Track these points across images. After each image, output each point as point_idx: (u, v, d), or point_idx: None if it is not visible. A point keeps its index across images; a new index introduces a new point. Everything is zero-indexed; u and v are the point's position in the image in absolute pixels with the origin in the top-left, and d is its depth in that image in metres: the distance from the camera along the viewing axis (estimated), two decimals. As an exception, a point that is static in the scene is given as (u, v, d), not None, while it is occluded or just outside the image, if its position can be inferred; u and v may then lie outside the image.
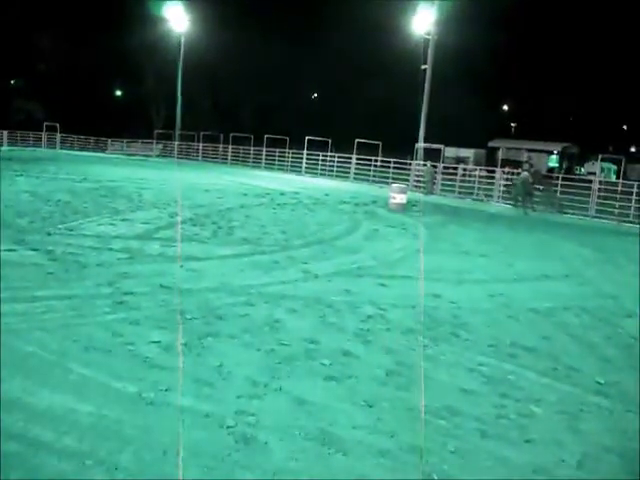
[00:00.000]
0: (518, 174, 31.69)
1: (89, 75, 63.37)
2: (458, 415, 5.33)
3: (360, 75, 64.25)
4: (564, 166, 53.11)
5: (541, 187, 26.95)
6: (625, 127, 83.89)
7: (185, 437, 4.58)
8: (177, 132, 54.82)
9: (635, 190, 26.18)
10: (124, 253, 10.88)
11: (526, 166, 35.22)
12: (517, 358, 6.90)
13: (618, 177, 38.51)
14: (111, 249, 11.16)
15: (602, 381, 6.40)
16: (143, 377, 5.59)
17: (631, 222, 24.41)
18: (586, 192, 27.30)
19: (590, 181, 29.50)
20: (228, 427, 4.80)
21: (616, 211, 25.63)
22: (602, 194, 27.33)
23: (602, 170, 44.20)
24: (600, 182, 29.26)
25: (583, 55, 70.37)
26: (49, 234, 12.09)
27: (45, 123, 53.39)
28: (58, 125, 53.00)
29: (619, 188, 28.35)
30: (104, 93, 68.87)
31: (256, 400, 5.31)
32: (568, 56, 70.37)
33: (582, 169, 53.92)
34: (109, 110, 65.27)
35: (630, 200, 25.88)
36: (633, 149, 77.18)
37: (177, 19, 49.85)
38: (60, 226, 13.05)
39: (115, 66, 62.66)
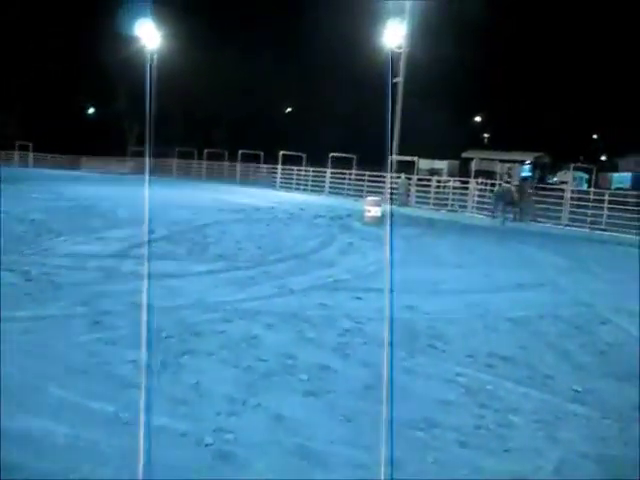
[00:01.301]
0: (493, 184, 32.00)
1: (61, 93, 62.98)
2: (437, 426, 5.34)
3: (333, 89, 64.44)
4: (537, 175, 53.49)
5: (524, 198, 27.09)
6: (595, 136, 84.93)
7: (163, 456, 4.55)
8: (150, 149, 54.61)
9: (607, 198, 26.51)
10: (99, 272, 10.81)
11: (505, 177, 35.62)
12: (494, 368, 6.94)
13: (590, 186, 38.96)
14: (86, 268, 11.07)
15: (578, 389, 6.44)
16: (120, 397, 5.54)
17: (603, 230, 24.69)
18: (559, 201, 27.59)
19: (562, 190, 29.83)
20: (206, 445, 4.76)
21: (588, 219, 25.91)
22: (574, 202, 27.62)
23: (574, 179, 44.69)
24: (572, 191, 29.59)
25: (553, 66, 71.23)
26: (24, 254, 11.97)
27: (18, 142, 52.98)
28: (31, 144, 52.63)
29: (591, 197, 28.67)
30: (77, 111, 68.50)
31: (234, 417, 5.28)
32: (538, 67, 71.18)
33: (555, 178, 54.39)
34: (83, 128, 64.89)
35: (602, 208, 26.18)
36: (604, 158, 78.07)
37: (149, 36, 49.81)
38: (35, 246, 12.92)
39: (88, 84, 62.38)
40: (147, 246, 13.82)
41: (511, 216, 26.56)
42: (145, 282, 10.13)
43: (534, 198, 27.77)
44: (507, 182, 29.19)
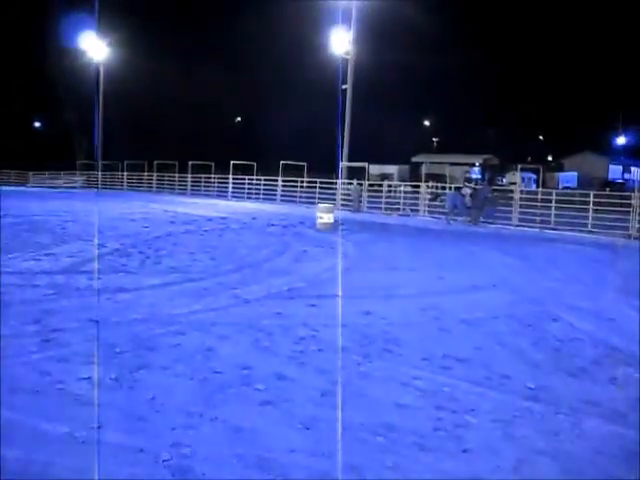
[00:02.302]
0: (443, 187, 32.37)
1: (7, 107, 61.87)
2: (395, 430, 5.35)
3: (283, 97, 64.61)
4: (486, 177, 54.29)
5: (487, 201, 27.34)
6: (541, 137, 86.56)
7: (120, 474, 4.47)
8: (99, 162, 54.00)
9: (554, 198, 27.03)
10: (50, 289, 10.60)
11: (464, 181, 36.03)
12: (450, 370, 6.99)
13: (538, 186, 39.65)
14: (36, 285, 10.85)
15: (532, 386, 6.53)
16: (74, 416, 5.42)
17: (552, 229, 25.16)
18: (509, 202, 28.04)
19: (512, 191, 30.32)
20: (164, 461, 4.70)
21: (537, 219, 26.38)
22: (524, 203, 28.09)
23: (523, 180, 45.45)
24: (521, 192, 30.10)
25: (499, 69, 72.44)
26: (-31, 274, 11.68)
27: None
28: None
29: (539, 197, 29.20)
30: (24, 125, 67.36)
31: (191, 431, 5.22)
32: (485, 71, 72.32)
33: (503, 179, 55.25)
34: (30, 143, 63.84)
35: (550, 208, 26.68)
36: (550, 158, 79.59)
37: (94, 48, 49.30)
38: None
39: (34, 98, 61.41)
40: (97, 261, 13.63)
41: (463, 218, 26.89)
42: (96, 298, 10.00)
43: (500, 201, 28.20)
44: (466, 185, 29.49)
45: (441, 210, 30.48)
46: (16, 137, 62.30)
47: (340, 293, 10.82)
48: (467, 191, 27.42)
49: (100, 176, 53.31)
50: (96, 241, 16.51)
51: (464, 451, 5.06)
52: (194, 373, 6.60)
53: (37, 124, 75.00)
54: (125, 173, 52.32)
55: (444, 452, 5.02)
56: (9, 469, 4.51)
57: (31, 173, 55.61)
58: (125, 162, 52.68)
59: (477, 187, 28.42)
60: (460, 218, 27.05)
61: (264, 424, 5.42)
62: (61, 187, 51.63)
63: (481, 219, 26.69)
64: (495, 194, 28.67)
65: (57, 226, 20.16)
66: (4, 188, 47.36)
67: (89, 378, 6.31)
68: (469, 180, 40.59)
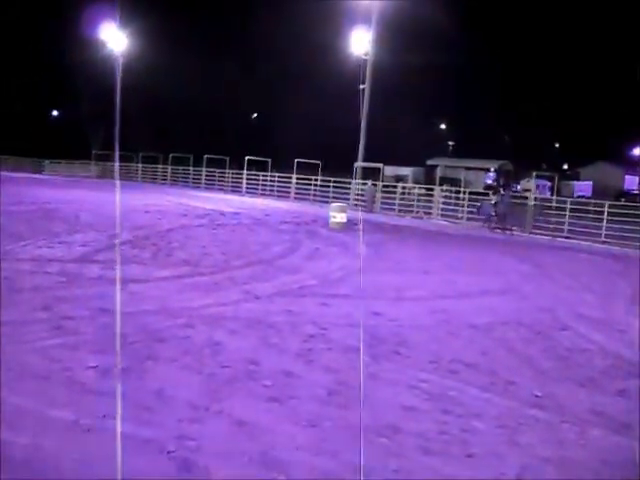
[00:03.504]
0: (457, 192, 32.26)
1: (26, 95, 62.19)
2: (400, 433, 5.35)
3: (299, 95, 64.54)
4: (501, 183, 54.09)
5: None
6: (557, 145, 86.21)
7: (125, 464, 4.48)
8: (116, 153, 54.18)
9: (568, 206, 26.90)
10: (62, 276, 10.66)
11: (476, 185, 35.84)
12: (458, 374, 6.98)
13: (552, 194, 39.49)
14: (48, 273, 10.91)
15: (539, 394, 6.51)
16: (81, 404, 5.46)
17: (565, 237, 25.05)
18: (522, 209, 27.94)
19: (526, 198, 30.21)
20: (169, 452, 4.71)
21: (551, 226, 26.26)
22: (538, 210, 27.98)
23: (537, 187, 45.26)
24: (535, 199, 29.97)
25: (518, 76, 72.17)
26: (-17, 259, 11.75)
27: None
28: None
29: (553, 204, 29.07)
30: (41, 114, 67.68)
31: (197, 424, 5.23)
32: (504, 76, 72.08)
33: (518, 186, 55.07)
34: (47, 131, 64.12)
35: (564, 216, 26.57)
36: (566, 166, 79.27)
37: (114, 39, 49.44)
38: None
39: (53, 86, 61.67)
40: (110, 251, 13.68)
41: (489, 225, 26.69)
42: (110, 287, 10.03)
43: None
44: (495, 193, 29.17)
45: (454, 214, 30.45)
46: (34, 125, 62.63)
47: (360, 293, 10.82)
48: (494, 199, 27.31)
49: (115, 167, 53.54)
50: (110, 231, 16.53)
51: (469, 456, 5.04)
52: (202, 366, 6.61)
53: (55, 113, 75.30)
54: (140, 165, 52.45)
55: (448, 456, 5.01)
56: (15, 455, 4.54)
57: (47, 161, 55.83)
58: (140, 154, 52.83)
59: (503, 194, 28.13)
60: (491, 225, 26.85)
61: (269, 420, 5.43)
62: (76, 176, 51.83)
63: (509, 227, 26.28)
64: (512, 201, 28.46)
65: (71, 215, 20.24)
66: (19, 175, 47.61)
67: (97, 367, 6.34)
68: (490, 187, 40.31)
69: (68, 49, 55.46)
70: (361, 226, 22.94)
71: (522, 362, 7.66)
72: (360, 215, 27.50)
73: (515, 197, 31.98)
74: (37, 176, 50.02)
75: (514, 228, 26.06)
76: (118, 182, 47.83)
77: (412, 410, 5.89)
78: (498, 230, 26.13)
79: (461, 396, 6.32)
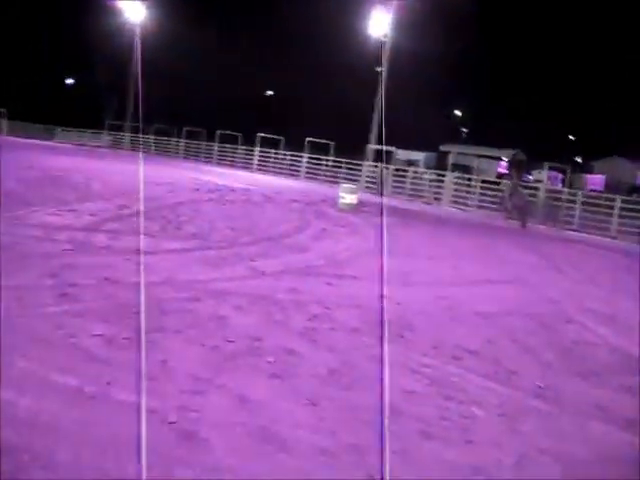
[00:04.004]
0: (469, 179, 32.10)
1: (40, 61, 62.09)
2: (401, 416, 5.36)
3: (315, 75, 64.27)
4: (513, 173, 53.82)
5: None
6: (572, 137, 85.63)
7: (125, 432, 4.51)
8: (129, 123, 54.16)
9: (579, 199, 26.79)
10: (69, 244, 10.68)
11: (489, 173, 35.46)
12: (461, 360, 6.97)
13: (564, 186, 39.29)
14: (56, 240, 10.93)
15: (542, 385, 6.51)
16: (85, 371, 5.48)
17: (574, 230, 24.96)
18: (533, 199, 27.82)
19: (537, 188, 30.08)
20: (170, 423, 4.74)
21: (561, 218, 26.17)
22: (548, 202, 27.85)
23: (549, 178, 44.99)
24: (547, 190, 29.84)
25: (537, 65, 71.66)
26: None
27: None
28: (5, 110, 51.85)
29: (564, 196, 28.94)
30: (56, 80, 67.59)
31: (199, 396, 5.25)
32: (522, 66, 71.58)
33: (530, 176, 54.76)
34: (60, 98, 64.05)
35: (574, 209, 26.47)
36: (579, 159, 78.83)
37: (133, 9, 49.24)
38: (4, 215, 12.71)
39: (69, 53, 61.54)
40: (118, 221, 13.70)
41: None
42: (117, 257, 10.06)
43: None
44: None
45: (464, 202, 30.35)
46: (47, 92, 62.55)
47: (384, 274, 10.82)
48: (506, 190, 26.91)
49: (128, 137, 53.52)
50: (120, 201, 16.52)
51: (468, 442, 5.06)
52: (206, 340, 6.63)
53: (69, 80, 75.18)
54: (153, 137, 52.40)
55: (448, 441, 5.02)
56: (19, 416, 4.57)
57: (59, 129, 55.80)
58: (154, 125, 52.77)
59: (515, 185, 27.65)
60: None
61: (270, 396, 5.45)
62: (87, 145, 51.82)
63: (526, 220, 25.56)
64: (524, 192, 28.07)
65: (81, 183, 20.26)
66: (31, 141, 47.66)
67: (102, 335, 6.36)
68: (502, 176, 39.63)
69: (85, 16, 55.23)
70: (382, 209, 22.89)
71: (526, 352, 7.65)
72: (382, 200, 27.42)
73: (526, 187, 31.82)
74: (48, 143, 49.99)
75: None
76: (130, 153, 47.81)
77: (413, 394, 5.89)
78: (513, 221, 25.59)
79: (463, 383, 6.32)
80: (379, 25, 36.62)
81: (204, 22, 61.46)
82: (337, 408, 5.37)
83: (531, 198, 28.14)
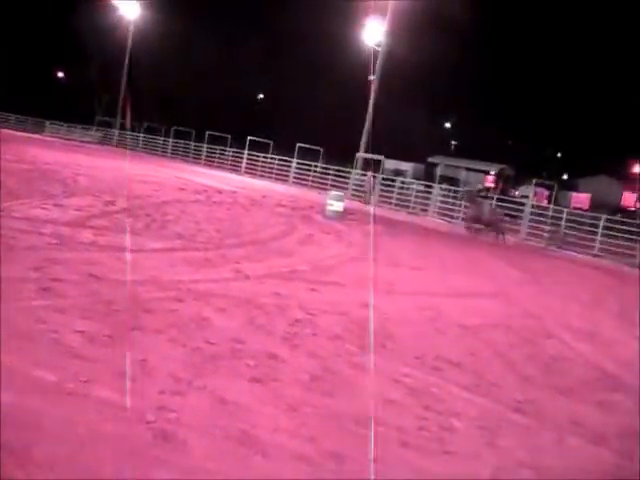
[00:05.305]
0: (455, 192, 32.18)
1: (31, 54, 61.78)
2: (381, 425, 5.36)
3: (307, 81, 64.35)
4: (499, 187, 54.05)
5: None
6: (559, 155, 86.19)
7: (103, 430, 4.48)
8: (119, 120, 53.99)
9: (565, 216, 26.96)
10: (54, 238, 10.61)
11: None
12: (441, 371, 6.99)
13: (550, 203, 39.54)
14: (42, 233, 10.85)
15: (520, 398, 6.53)
16: (65, 366, 5.44)
17: (558, 247, 25.10)
18: (519, 214, 27.99)
19: (523, 204, 30.24)
20: (148, 422, 4.71)
21: (545, 235, 26.33)
22: (533, 218, 28.02)
23: (535, 194, 45.26)
24: (532, 206, 30.01)
25: (526, 81, 72.10)
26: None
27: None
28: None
29: (550, 213, 29.12)
30: (46, 74, 67.27)
31: (178, 397, 5.23)
32: (512, 82, 72.01)
33: (516, 192, 55.06)
34: (50, 92, 63.74)
35: (559, 225, 26.64)
36: (565, 177, 79.29)
37: (128, 7, 49.19)
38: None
39: (60, 47, 61.26)
40: (103, 218, 13.63)
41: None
42: (102, 253, 10.01)
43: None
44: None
45: (450, 214, 30.41)
46: (37, 85, 62.24)
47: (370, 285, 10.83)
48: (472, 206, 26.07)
49: (117, 134, 53.34)
50: (106, 198, 16.46)
51: (445, 452, 5.07)
52: (187, 340, 6.60)
53: (60, 74, 74.85)
54: (142, 135, 52.26)
55: (426, 451, 5.03)
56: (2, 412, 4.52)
57: (48, 122, 55.52)
58: (144, 124, 52.66)
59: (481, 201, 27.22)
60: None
61: (250, 400, 5.43)
62: (76, 140, 51.59)
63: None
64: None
65: (68, 178, 20.16)
66: (20, 134, 47.37)
67: (83, 331, 6.32)
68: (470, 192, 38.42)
69: (79, 11, 55.03)
70: (373, 217, 22.94)
71: (506, 366, 7.68)
72: (372, 209, 27.47)
73: (512, 202, 31.95)
74: (37, 136, 49.71)
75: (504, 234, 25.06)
76: (118, 150, 47.61)
77: (393, 403, 5.90)
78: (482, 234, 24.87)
79: (443, 394, 6.34)
80: (373, 34, 36.74)
81: (200, 24, 61.42)
82: (317, 415, 5.36)
83: (516, 213, 28.27)
